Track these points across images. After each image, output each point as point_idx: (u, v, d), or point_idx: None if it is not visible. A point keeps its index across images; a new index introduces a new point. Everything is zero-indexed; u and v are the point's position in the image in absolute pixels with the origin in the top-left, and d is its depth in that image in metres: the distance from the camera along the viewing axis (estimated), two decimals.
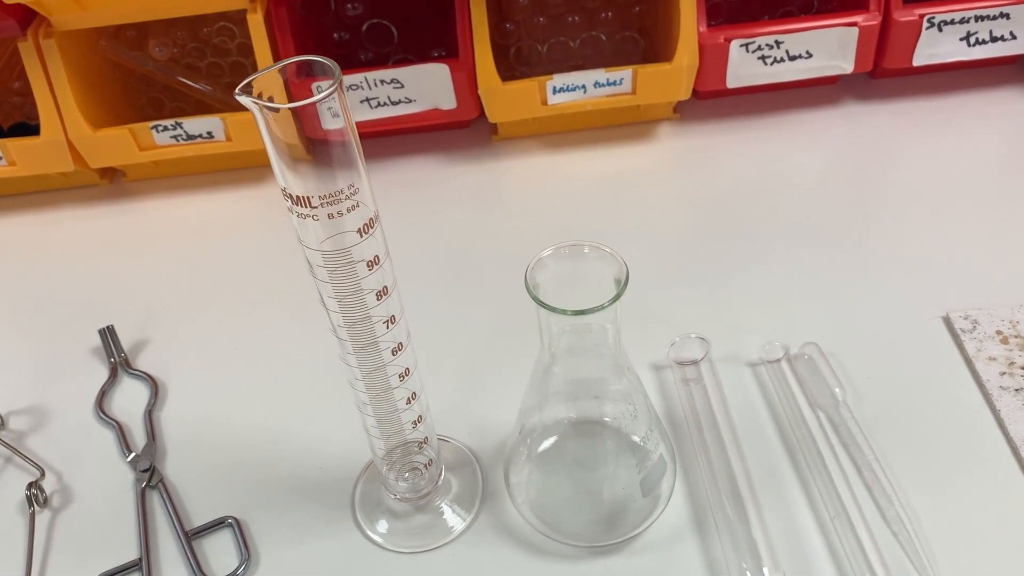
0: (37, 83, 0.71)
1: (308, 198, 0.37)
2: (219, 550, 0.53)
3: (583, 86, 0.73)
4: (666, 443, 0.50)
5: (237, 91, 0.35)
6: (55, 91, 0.72)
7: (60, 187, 0.81)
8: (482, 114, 0.77)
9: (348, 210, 0.38)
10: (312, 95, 0.34)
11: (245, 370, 0.63)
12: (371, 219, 0.39)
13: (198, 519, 0.54)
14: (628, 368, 0.47)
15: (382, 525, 0.53)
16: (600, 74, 0.73)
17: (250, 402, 0.61)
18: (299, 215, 0.38)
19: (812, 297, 0.64)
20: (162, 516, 0.55)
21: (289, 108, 0.34)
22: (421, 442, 0.51)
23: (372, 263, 0.41)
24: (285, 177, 0.37)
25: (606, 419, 0.50)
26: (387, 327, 0.43)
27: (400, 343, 0.45)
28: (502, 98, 0.73)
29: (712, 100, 0.82)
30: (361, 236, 0.39)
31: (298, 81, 0.36)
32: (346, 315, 0.42)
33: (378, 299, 0.42)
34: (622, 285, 0.41)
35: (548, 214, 0.74)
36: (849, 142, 0.78)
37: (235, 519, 0.54)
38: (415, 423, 0.49)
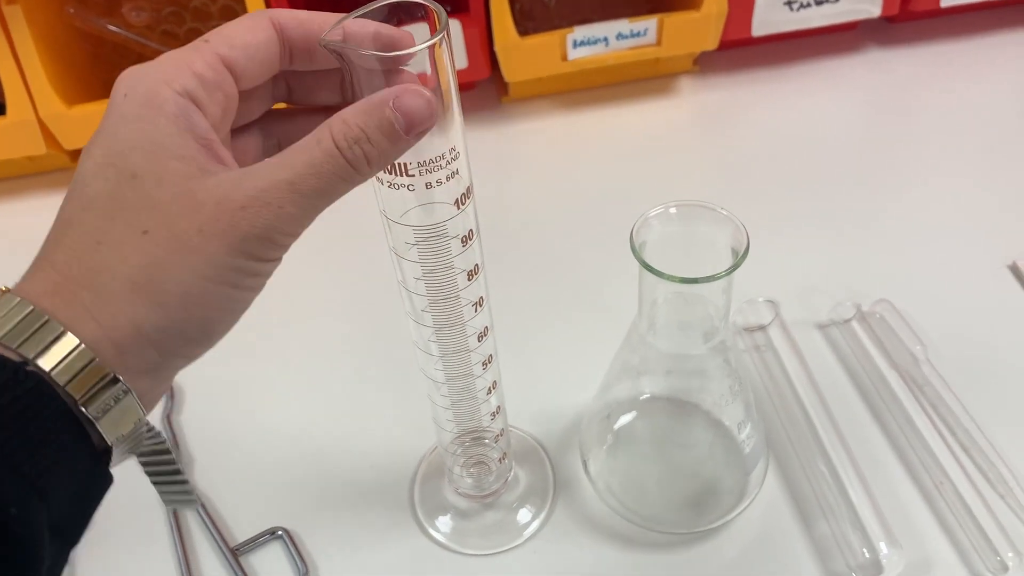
0: (1, 57, 0.63)
1: (405, 165, 0.32)
2: (270, 565, 0.48)
3: (605, 38, 0.69)
4: (759, 426, 0.46)
5: (322, 40, 0.29)
6: (22, 65, 0.64)
7: (27, 172, 0.73)
8: (491, 75, 0.72)
9: (446, 179, 0.33)
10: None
11: (269, 365, 0.57)
12: (467, 189, 0.34)
13: (241, 533, 0.49)
14: (732, 345, 0.42)
15: (446, 524, 0.48)
16: (623, 25, 0.68)
17: (279, 399, 0.55)
18: (390, 185, 0.33)
19: (871, 252, 0.60)
20: (200, 533, 0.49)
21: (399, 55, 0.28)
22: (497, 435, 0.46)
23: (466, 239, 0.36)
24: None
25: (701, 398, 0.46)
26: (475, 310, 0.38)
27: (486, 327, 0.40)
28: (520, 55, 0.68)
29: (731, 51, 0.78)
30: (458, 208, 0.34)
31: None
32: (432, 297, 0.37)
33: (469, 279, 0.37)
34: (741, 255, 0.37)
35: (568, 178, 0.69)
36: (877, 89, 0.74)
37: (285, 530, 0.48)
38: (493, 414, 0.44)
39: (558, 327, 0.57)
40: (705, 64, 0.77)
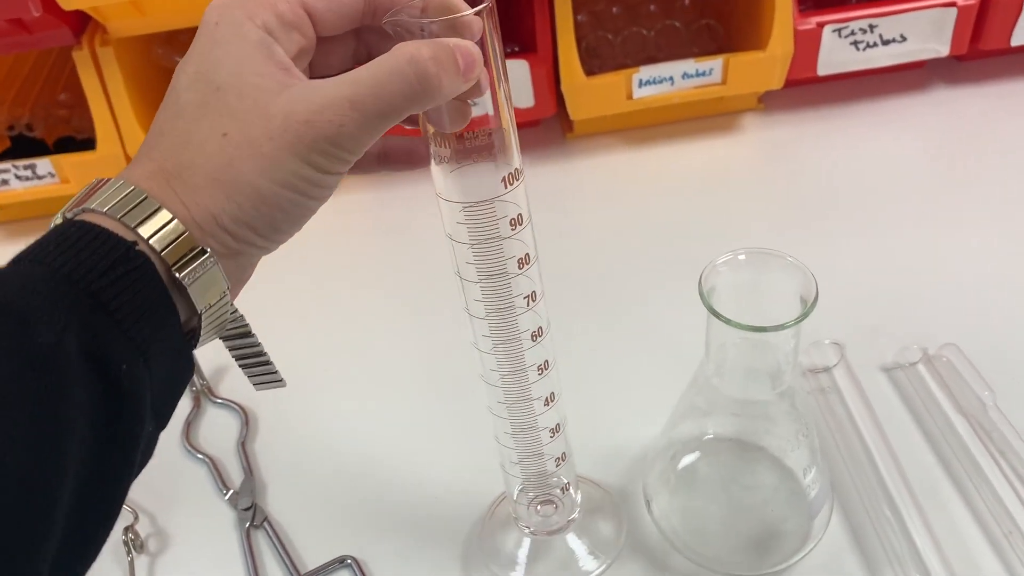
0: (93, 94, 0.67)
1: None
2: None
3: (670, 78, 0.69)
4: (824, 471, 0.46)
5: (385, 20, 0.32)
6: (112, 102, 0.67)
7: None
8: (558, 111, 0.73)
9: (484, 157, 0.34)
10: None
11: (343, 393, 0.59)
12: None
13: (311, 560, 0.50)
14: (800, 391, 0.43)
15: (513, 566, 0.49)
16: (689, 64, 0.69)
17: (352, 428, 0.57)
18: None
19: (938, 293, 0.60)
20: (271, 558, 0.51)
21: (454, 18, 0.30)
22: (564, 487, 0.46)
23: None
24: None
25: (767, 442, 0.46)
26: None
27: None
28: (586, 94, 0.69)
29: (796, 88, 0.78)
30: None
31: None
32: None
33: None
34: (810, 304, 0.37)
35: (634, 215, 0.70)
36: (944, 128, 0.74)
37: (354, 559, 0.50)
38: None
39: (622, 364, 0.58)
40: (770, 101, 0.77)
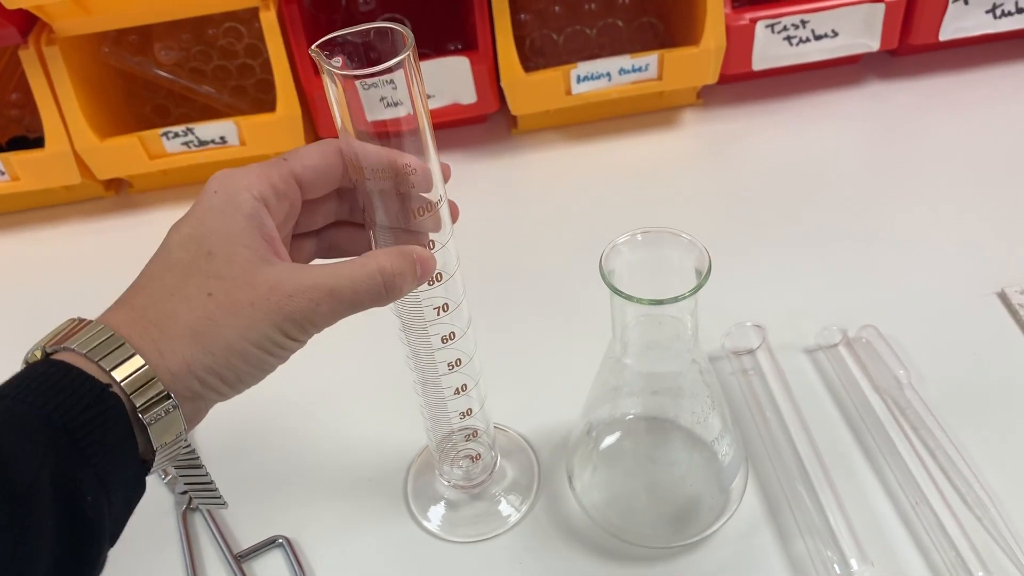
0: (40, 93, 0.68)
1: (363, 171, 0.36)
2: (272, 571, 0.50)
3: (607, 73, 0.71)
4: (738, 440, 0.48)
5: (312, 47, 0.34)
6: (59, 101, 0.69)
7: (62, 202, 0.78)
8: (501, 108, 0.75)
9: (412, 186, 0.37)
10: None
11: (276, 378, 0.60)
12: (429, 203, 0.37)
13: (245, 540, 0.52)
14: (704, 363, 0.44)
15: (436, 514, 0.51)
16: (625, 60, 0.71)
17: (285, 411, 0.58)
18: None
19: (861, 278, 0.62)
20: (207, 540, 0.52)
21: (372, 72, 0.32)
22: (471, 433, 0.48)
23: (427, 247, 0.39)
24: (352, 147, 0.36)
25: (679, 415, 0.48)
26: (438, 313, 0.41)
27: (452, 332, 0.43)
28: (525, 90, 0.71)
29: (734, 84, 0.80)
30: (415, 218, 0.38)
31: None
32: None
33: (430, 285, 0.40)
34: (704, 275, 0.39)
35: (576, 206, 0.72)
36: (877, 121, 0.76)
37: (285, 538, 0.51)
38: (463, 414, 0.47)
39: (555, 342, 0.60)
40: (709, 97, 0.79)
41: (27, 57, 0.67)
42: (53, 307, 0.68)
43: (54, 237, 0.76)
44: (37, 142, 0.73)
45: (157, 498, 0.55)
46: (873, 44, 0.74)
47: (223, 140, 0.71)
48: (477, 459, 0.51)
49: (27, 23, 0.68)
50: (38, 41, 0.67)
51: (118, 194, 0.79)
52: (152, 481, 0.55)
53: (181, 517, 0.53)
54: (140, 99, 0.79)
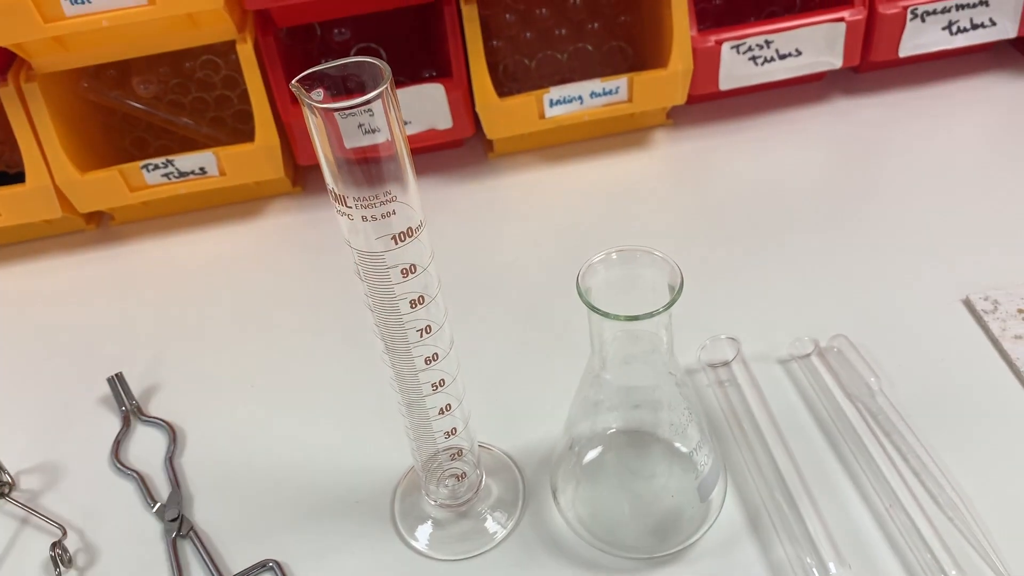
0: (20, 129, 0.69)
1: (344, 197, 0.36)
2: None
3: (579, 97, 0.73)
4: (716, 450, 0.49)
5: (293, 81, 0.34)
6: (39, 136, 0.69)
7: (43, 235, 0.79)
8: (477, 132, 0.77)
9: (383, 216, 0.37)
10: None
11: (263, 406, 0.61)
12: (410, 228, 0.39)
13: (235, 565, 0.52)
14: (680, 375, 0.46)
15: (423, 533, 0.52)
16: (596, 84, 0.72)
17: (273, 437, 0.59)
18: (338, 212, 0.38)
19: (831, 290, 0.64)
20: (197, 566, 0.53)
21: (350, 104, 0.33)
22: (455, 453, 0.49)
23: (408, 271, 0.40)
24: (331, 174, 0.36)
25: (658, 427, 0.49)
26: (421, 335, 0.42)
27: (435, 353, 0.44)
28: (499, 114, 0.73)
29: (704, 103, 0.82)
30: (396, 243, 0.38)
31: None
32: (380, 317, 0.42)
33: (412, 307, 0.41)
34: (676, 291, 0.40)
35: (552, 227, 0.73)
36: (842, 136, 0.78)
37: (276, 562, 0.52)
38: (448, 434, 0.48)
39: (535, 361, 0.61)
40: (679, 117, 0.81)
41: (6, 94, 0.68)
42: (37, 342, 0.70)
43: (36, 271, 0.76)
44: (17, 177, 0.73)
45: (146, 525, 0.55)
46: (836, 62, 0.76)
47: (203, 171, 0.72)
48: (463, 478, 0.52)
49: (5, 60, 0.69)
50: (17, 78, 0.68)
51: (99, 227, 0.79)
52: (140, 508, 0.56)
53: (171, 544, 0.53)
54: (119, 132, 0.80)
